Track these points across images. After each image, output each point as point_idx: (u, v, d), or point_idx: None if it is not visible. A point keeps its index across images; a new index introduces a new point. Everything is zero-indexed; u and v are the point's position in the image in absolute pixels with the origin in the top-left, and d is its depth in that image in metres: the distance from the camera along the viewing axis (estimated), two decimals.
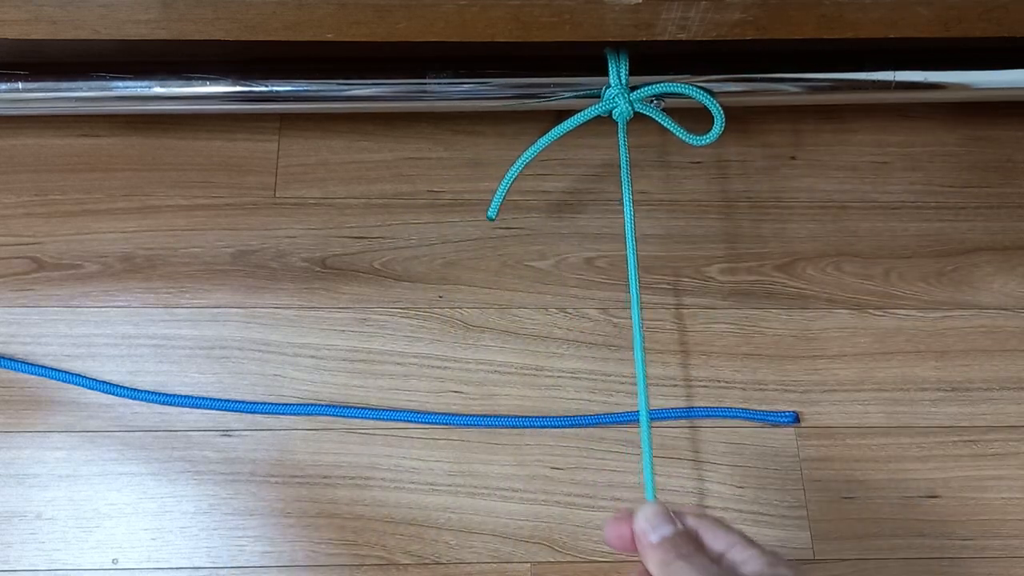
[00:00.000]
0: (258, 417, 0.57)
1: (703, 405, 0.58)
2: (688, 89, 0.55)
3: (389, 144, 0.66)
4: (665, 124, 0.56)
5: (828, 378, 0.59)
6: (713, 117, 0.56)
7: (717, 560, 0.36)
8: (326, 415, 0.57)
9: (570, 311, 0.61)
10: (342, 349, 0.59)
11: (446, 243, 0.63)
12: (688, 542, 0.36)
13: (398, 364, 0.59)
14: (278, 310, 0.60)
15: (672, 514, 0.38)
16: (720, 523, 0.38)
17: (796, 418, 0.57)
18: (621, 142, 0.55)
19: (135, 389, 0.58)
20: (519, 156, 0.57)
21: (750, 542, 0.37)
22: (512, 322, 0.60)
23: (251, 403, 0.57)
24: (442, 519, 0.55)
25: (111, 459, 0.56)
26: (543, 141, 0.56)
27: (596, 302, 0.61)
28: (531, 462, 0.57)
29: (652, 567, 0.36)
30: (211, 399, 0.57)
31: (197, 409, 0.57)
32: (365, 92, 0.58)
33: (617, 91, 0.55)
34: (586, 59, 0.56)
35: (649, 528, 0.37)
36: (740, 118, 0.66)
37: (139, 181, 0.64)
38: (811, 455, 0.57)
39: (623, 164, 0.54)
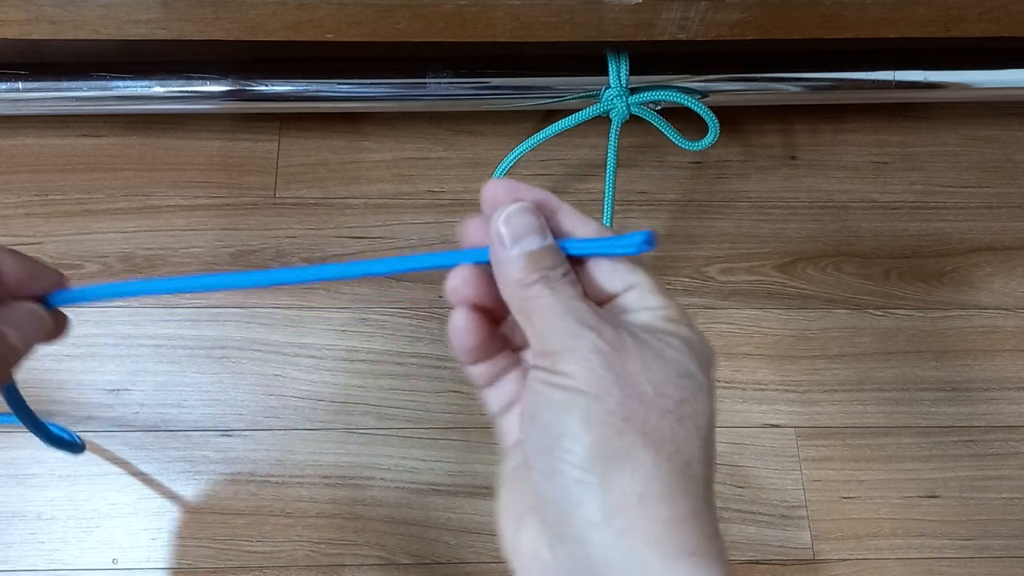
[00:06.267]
0: (258, 417, 0.57)
1: None
2: (684, 99, 0.55)
3: (389, 144, 0.66)
4: (660, 127, 0.56)
5: (828, 378, 0.59)
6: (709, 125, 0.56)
7: (603, 299, 0.28)
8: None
9: None
10: (342, 349, 0.59)
11: (446, 243, 0.63)
12: (557, 259, 0.27)
13: (398, 364, 0.59)
14: (278, 310, 0.60)
15: (542, 220, 0.27)
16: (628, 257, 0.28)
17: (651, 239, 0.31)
18: (611, 141, 0.55)
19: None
20: (516, 146, 0.57)
21: (657, 289, 0.27)
22: None
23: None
24: (442, 519, 0.55)
25: (111, 459, 0.56)
26: (540, 136, 0.56)
27: None
28: None
29: (505, 288, 0.27)
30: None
31: (196, 409, 0.57)
32: (365, 92, 0.58)
33: (616, 92, 0.54)
34: (586, 59, 0.56)
35: (508, 233, 0.27)
36: (740, 118, 0.66)
37: (139, 181, 0.64)
38: (811, 455, 0.57)
39: (610, 162, 0.55)
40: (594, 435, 0.24)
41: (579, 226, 0.28)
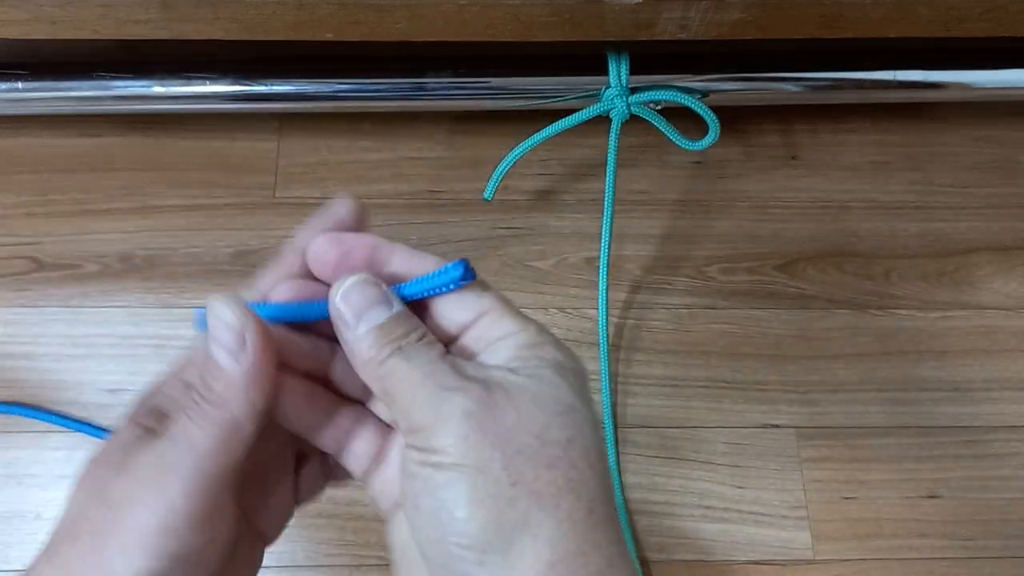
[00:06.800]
0: None
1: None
2: (684, 99, 0.55)
3: (389, 144, 0.66)
4: (661, 127, 0.56)
5: (828, 378, 0.59)
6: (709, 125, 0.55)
7: (456, 333, 0.25)
8: None
9: (570, 311, 0.61)
10: None
11: (446, 243, 0.63)
12: (408, 325, 0.24)
13: None
14: None
15: (383, 288, 0.25)
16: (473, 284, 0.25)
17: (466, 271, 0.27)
18: (612, 141, 0.55)
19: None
20: (516, 146, 0.57)
21: (508, 311, 0.25)
22: None
23: None
24: None
25: None
26: (540, 135, 0.56)
27: (596, 302, 0.61)
28: None
29: (359, 369, 0.25)
30: None
31: None
32: (365, 92, 0.58)
33: (616, 92, 0.54)
34: (586, 59, 0.56)
35: (349, 312, 0.24)
36: (740, 118, 0.66)
37: (139, 181, 0.64)
38: (811, 455, 0.57)
39: (610, 162, 0.55)
40: (485, 511, 0.22)
41: (417, 264, 0.26)
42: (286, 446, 0.27)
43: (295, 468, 0.28)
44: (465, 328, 0.25)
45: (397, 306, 0.25)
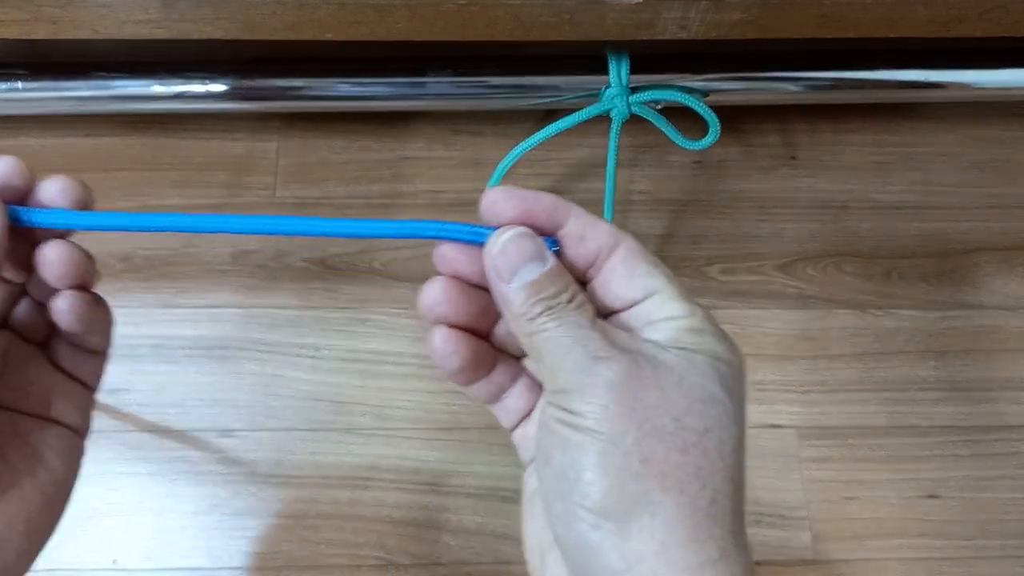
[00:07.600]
0: (258, 417, 0.57)
1: None
2: (684, 98, 0.55)
3: (389, 144, 0.66)
4: (661, 127, 0.56)
5: (828, 378, 0.59)
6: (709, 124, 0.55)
7: (621, 307, 0.25)
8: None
9: None
10: (342, 349, 0.59)
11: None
12: (560, 283, 0.24)
13: (398, 364, 0.59)
14: (277, 310, 0.60)
15: (540, 243, 0.25)
16: (639, 251, 0.25)
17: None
18: (612, 140, 0.55)
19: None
20: (516, 146, 0.57)
21: (679, 295, 0.25)
22: None
23: None
24: (442, 519, 0.55)
25: (111, 459, 0.56)
26: (540, 135, 0.56)
27: None
28: None
29: (510, 322, 0.25)
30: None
31: (195, 409, 0.57)
32: (365, 91, 0.58)
33: (616, 92, 0.54)
34: (586, 59, 0.56)
35: (506, 266, 0.25)
36: (740, 117, 0.66)
37: (139, 181, 0.64)
38: (811, 455, 0.57)
39: (610, 162, 0.55)
40: (610, 479, 0.22)
41: (589, 230, 0.25)
42: (9, 341, 0.28)
43: (48, 355, 0.29)
44: (632, 304, 0.25)
45: (551, 261, 0.25)
